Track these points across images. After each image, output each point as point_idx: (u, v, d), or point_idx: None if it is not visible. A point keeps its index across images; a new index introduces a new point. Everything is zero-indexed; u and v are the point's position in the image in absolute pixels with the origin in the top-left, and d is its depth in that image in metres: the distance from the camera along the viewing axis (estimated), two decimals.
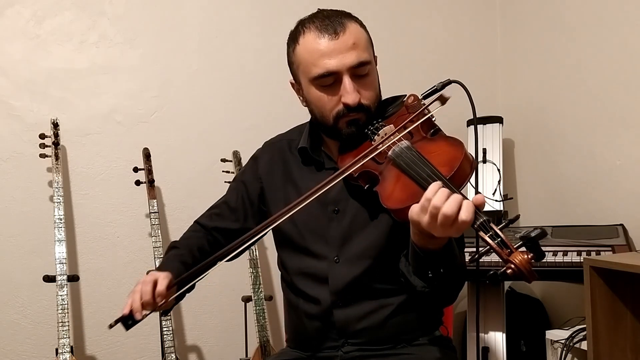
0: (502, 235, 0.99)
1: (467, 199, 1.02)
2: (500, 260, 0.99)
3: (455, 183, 1.07)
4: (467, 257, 1.83)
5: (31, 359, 2.17)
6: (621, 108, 2.10)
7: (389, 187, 1.18)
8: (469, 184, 1.20)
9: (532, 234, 0.97)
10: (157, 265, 1.77)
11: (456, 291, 1.31)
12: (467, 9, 2.75)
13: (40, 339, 2.17)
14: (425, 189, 1.06)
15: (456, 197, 1.01)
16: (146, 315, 1.20)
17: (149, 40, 2.35)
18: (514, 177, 2.66)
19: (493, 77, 2.75)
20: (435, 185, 1.04)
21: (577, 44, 2.29)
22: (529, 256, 0.97)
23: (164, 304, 1.22)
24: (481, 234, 1.00)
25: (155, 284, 1.21)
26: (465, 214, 0.99)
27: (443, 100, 1.21)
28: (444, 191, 1.02)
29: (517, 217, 1.04)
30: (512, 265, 0.96)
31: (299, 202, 1.21)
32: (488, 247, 0.99)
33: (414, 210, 1.05)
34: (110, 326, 1.20)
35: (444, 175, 1.08)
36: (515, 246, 0.99)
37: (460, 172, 1.10)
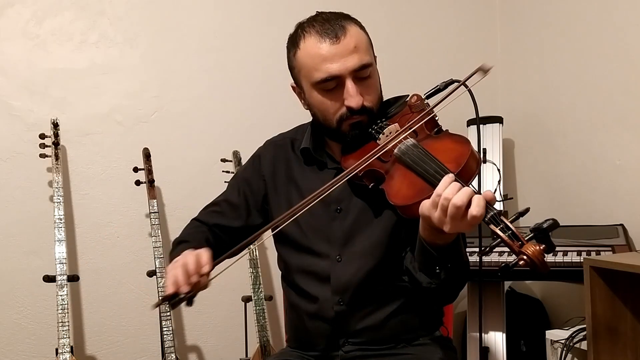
0: (512, 228, 0.99)
1: (478, 193, 1.02)
2: (512, 252, 0.98)
3: (463, 180, 1.07)
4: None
5: (31, 359, 2.16)
6: (621, 108, 2.10)
7: (396, 184, 1.19)
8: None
9: (544, 225, 0.96)
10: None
11: (459, 288, 1.32)
12: (467, 9, 2.75)
13: (40, 339, 2.16)
14: (433, 184, 1.06)
15: (466, 189, 1.01)
16: (191, 292, 1.11)
17: (149, 40, 2.35)
18: (514, 177, 2.66)
19: (493, 77, 2.75)
20: (446, 179, 1.04)
21: (577, 44, 2.29)
22: (541, 247, 0.96)
23: (208, 278, 1.15)
24: (492, 226, 1.00)
25: (198, 256, 1.15)
26: (477, 209, 0.99)
27: (486, 69, 1.18)
28: (455, 185, 1.02)
29: (527, 209, 1.03)
30: (525, 257, 0.96)
31: (304, 203, 1.21)
32: (499, 239, 0.99)
33: (425, 204, 1.05)
34: (156, 305, 1.13)
35: (451, 171, 1.08)
36: (525, 238, 0.98)
37: (467, 169, 1.10)
